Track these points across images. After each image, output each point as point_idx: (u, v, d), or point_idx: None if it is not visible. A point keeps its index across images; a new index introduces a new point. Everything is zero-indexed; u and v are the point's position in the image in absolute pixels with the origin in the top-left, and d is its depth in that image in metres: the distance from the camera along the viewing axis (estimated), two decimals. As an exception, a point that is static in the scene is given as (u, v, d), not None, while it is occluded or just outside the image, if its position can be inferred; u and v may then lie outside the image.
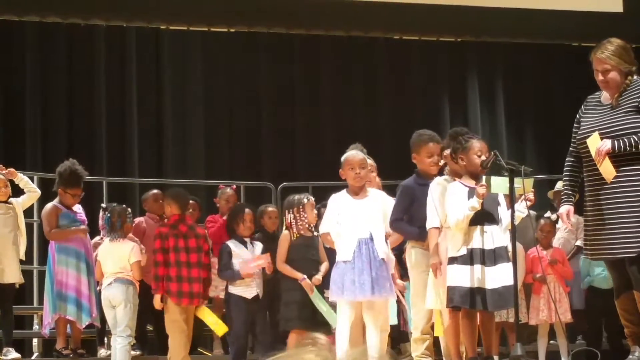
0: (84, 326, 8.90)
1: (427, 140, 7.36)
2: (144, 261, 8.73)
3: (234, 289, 8.35)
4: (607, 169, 6.18)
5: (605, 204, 6.30)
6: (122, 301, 8.48)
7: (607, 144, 6.19)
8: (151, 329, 9.79)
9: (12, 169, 8.86)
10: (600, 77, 6.41)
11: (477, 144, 6.88)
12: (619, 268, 6.41)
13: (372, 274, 6.79)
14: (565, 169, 6.70)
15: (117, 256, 8.58)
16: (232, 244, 8.38)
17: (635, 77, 6.42)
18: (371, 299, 6.85)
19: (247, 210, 8.51)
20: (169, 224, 8.52)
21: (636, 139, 6.19)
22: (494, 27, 12.24)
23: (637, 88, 6.39)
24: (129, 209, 9.11)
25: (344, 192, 7.09)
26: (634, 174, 6.24)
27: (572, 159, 6.63)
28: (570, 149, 6.65)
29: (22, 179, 8.95)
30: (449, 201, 6.77)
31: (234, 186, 10.04)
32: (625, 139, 6.20)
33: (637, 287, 6.27)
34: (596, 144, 6.26)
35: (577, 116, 6.63)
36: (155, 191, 10.04)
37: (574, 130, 6.65)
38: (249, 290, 8.21)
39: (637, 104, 6.33)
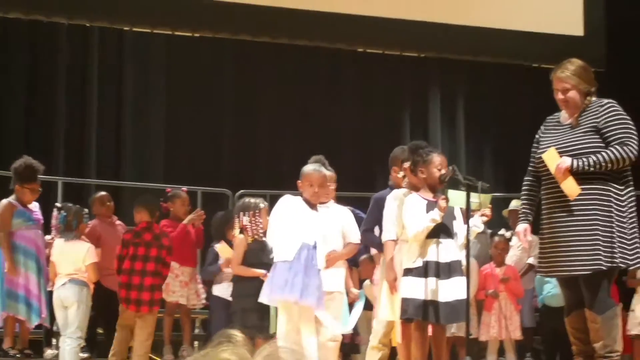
0: (33, 326, 8.88)
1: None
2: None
3: (216, 291, 8.38)
4: (569, 187, 6.26)
5: (562, 221, 6.38)
6: (74, 302, 8.46)
7: (567, 161, 6.27)
8: (101, 332, 9.73)
9: None
10: (560, 96, 6.50)
11: (437, 158, 6.95)
12: (572, 286, 6.49)
13: (305, 280, 6.82)
14: (523, 187, 6.77)
15: (72, 257, 8.56)
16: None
17: (594, 98, 6.51)
18: (298, 302, 6.86)
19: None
20: (135, 230, 8.57)
21: (595, 159, 6.28)
22: (458, 44, 12.32)
23: (596, 108, 6.48)
24: (86, 210, 9.10)
25: (298, 197, 7.13)
26: (590, 192, 6.32)
27: (531, 178, 6.71)
28: (529, 168, 6.73)
29: None
30: (407, 213, 6.82)
31: (185, 189, 10.03)
32: (585, 159, 6.29)
33: (590, 305, 6.35)
34: (554, 160, 6.33)
35: (537, 136, 6.71)
36: (102, 193, 10.03)
37: (532, 150, 6.72)
38: (229, 290, 8.21)
39: (596, 124, 6.42)
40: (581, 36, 12.45)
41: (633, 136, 6.38)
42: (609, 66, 12.15)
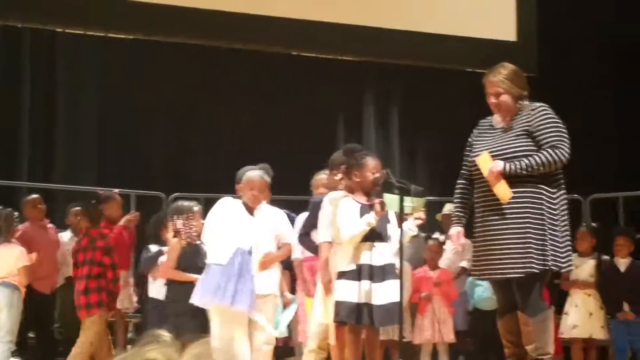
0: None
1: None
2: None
3: (152, 292, 8.35)
4: (502, 191, 6.30)
5: (494, 225, 6.43)
6: (5, 306, 8.43)
7: (499, 165, 6.32)
8: (32, 336, 9.65)
9: None
10: (492, 100, 6.55)
11: (371, 162, 6.96)
12: (505, 289, 6.54)
13: (237, 285, 6.82)
14: (456, 191, 6.81)
15: (3, 260, 8.53)
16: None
17: (526, 101, 6.57)
18: (230, 307, 6.86)
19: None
20: (79, 239, 8.62)
21: (527, 162, 6.33)
22: (393, 48, 12.37)
23: (528, 112, 6.54)
24: (16, 213, 9.05)
25: (237, 200, 7.12)
26: (522, 196, 6.38)
27: (464, 182, 6.75)
28: (462, 172, 6.76)
29: None
30: (341, 217, 6.81)
31: (117, 191, 9.98)
32: (517, 162, 6.34)
33: (522, 307, 6.40)
34: (486, 164, 6.37)
35: (469, 140, 6.75)
36: (34, 196, 9.98)
37: (465, 153, 6.76)
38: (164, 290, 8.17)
39: (528, 127, 6.47)
40: (514, 42, 12.57)
41: (564, 140, 6.44)
42: (541, 72, 12.28)
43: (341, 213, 6.85)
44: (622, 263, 9.36)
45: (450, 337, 9.40)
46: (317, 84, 12.74)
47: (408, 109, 13.02)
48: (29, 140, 11.62)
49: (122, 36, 12.00)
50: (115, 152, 12.02)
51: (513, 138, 6.51)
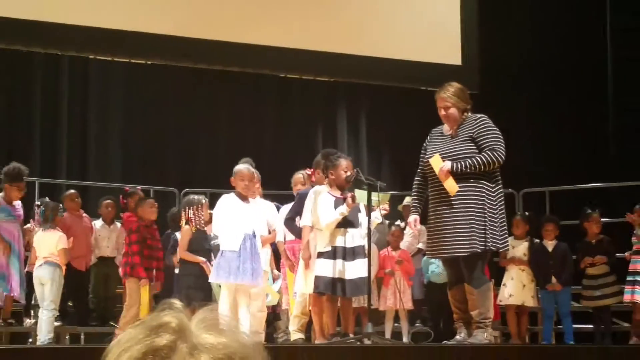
0: (7, 301, 8.78)
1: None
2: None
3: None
4: (450, 185, 6.32)
5: (444, 213, 6.45)
6: (48, 280, 8.37)
7: (448, 164, 6.34)
8: (71, 304, 9.63)
9: None
10: (442, 112, 6.57)
11: (344, 162, 6.95)
12: (453, 265, 6.55)
13: (253, 265, 6.79)
14: (413, 186, 6.82)
15: (48, 243, 8.50)
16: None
17: (470, 113, 6.57)
18: (250, 284, 6.84)
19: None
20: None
21: (470, 162, 6.34)
22: (360, 71, 12.35)
23: (471, 122, 6.55)
24: (61, 205, 9.06)
25: (232, 195, 7.09)
26: (466, 189, 6.38)
27: (419, 179, 6.76)
28: (418, 170, 6.78)
29: None
30: (319, 207, 6.80)
31: (140, 187, 9.93)
32: (462, 162, 6.35)
33: (468, 280, 6.41)
34: (438, 164, 6.38)
35: (424, 144, 6.77)
36: (71, 191, 9.95)
37: (421, 156, 6.77)
38: None
39: (471, 134, 6.48)
40: (459, 65, 12.58)
41: (500, 144, 6.46)
42: (481, 89, 12.28)
43: (319, 204, 6.82)
44: (550, 244, 9.35)
45: (409, 305, 9.39)
46: (299, 100, 12.70)
47: (373, 120, 12.98)
48: (67, 146, 11.56)
49: (142, 61, 11.93)
50: (136, 155, 11.95)
51: (459, 143, 6.51)
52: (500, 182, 6.52)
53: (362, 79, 12.60)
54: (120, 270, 8.85)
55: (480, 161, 6.33)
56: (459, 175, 6.35)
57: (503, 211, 6.52)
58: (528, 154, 11.72)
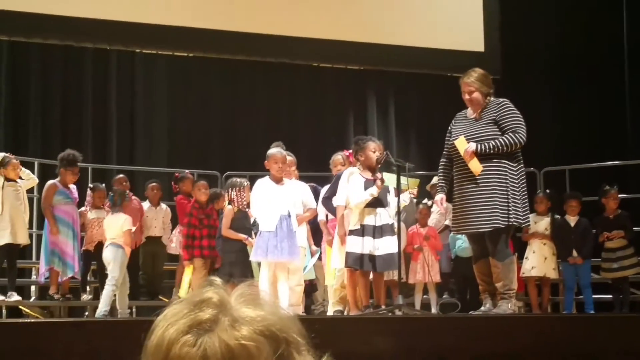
0: (66, 278, 8.84)
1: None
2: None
3: None
4: (475, 166, 6.30)
5: (468, 191, 6.44)
6: (112, 260, 8.46)
7: (472, 146, 6.32)
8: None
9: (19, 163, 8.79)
10: (466, 97, 6.55)
11: (372, 144, 6.95)
12: (478, 240, 6.54)
13: (289, 242, 6.81)
14: (439, 167, 6.82)
15: (115, 226, 8.58)
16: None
17: (492, 97, 6.54)
18: (287, 261, 6.86)
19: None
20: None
21: (493, 144, 6.32)
22: (389, 59, 12.32)
23: (494, 105, 6.52)
24: (128, 191, 9.14)
25: (267, 178, 7.10)
26: (489, 169, 6.37)
27: (445, 160, 6.75)
28: (444, 152, 6.76)
29: (24, 171, 8.85)
30: (351, 188, 6.81)
31: (188, 171, 9.98)
32: (486, 143, 6.33)
33: (492, 254, 6.40)
34: (463, 146, 6.36)
35: (449, 128, 6.76)
36: (120, 176, 10.02)
37: (446, 138, 6.75)
38: None
39: (494, 117, 6.45)
40: (482, 51, 12.51)
41: (522, 126, 6.43)
42: (504, 74, 12.20)
43: (351, 185, 6.83)
44: (572, 220, 9.30)
45: (437, 278, 9.37)
46: (332, 87, 12.67)
47: (401, 105, 12.92)
48: (117, 134, 11.63)
49: (185, 54, 12.00)
50: (181, 141, 11.98)
51: (483, 125, 6.49)
52: (521, 161, 6.49)
53: (390, 67, 12.57)
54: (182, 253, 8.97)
55: (503, 142, 6.30)
56: (482, 156, 6.32)
57: (525, 189, 6.49)
58: (549, 135, 11.63)
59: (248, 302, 1.31)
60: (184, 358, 1.24)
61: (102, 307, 8.32)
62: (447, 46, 12.35)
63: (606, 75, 12.10)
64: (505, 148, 6.30)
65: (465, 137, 6.45)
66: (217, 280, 1.36)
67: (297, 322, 1.34)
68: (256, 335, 1.26)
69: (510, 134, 6.34)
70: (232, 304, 1.30)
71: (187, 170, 10.09)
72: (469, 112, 6.64)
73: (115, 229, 8.54)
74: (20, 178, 8.76)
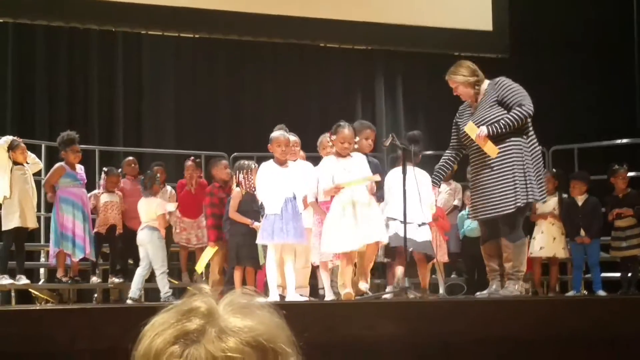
0: (77, 259, 8.86)
1: (366, 127, 7.42)
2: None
3: None
4: (490, 149, 6.30)
5: (486, 176, 6.44)
6: (148, 243, 8.57)
7: (484, 129, 6.31)
8: (131, 262, 9.71)
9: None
10: (455, 93, 6.59)
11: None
12: (488, 222, 6.52)
13: (295, 224, 6.79)
14: (442, 159, 6.84)
15: (148, 209, 8.69)
16: None
17: (486, 81, 6.53)
18: (294, 243, 6.85)
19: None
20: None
21: (503, 122, 6.33)
22: (396, 39, 12.27)
23: (492, 87, 6.53)
24: (158, 174, 9.13)
25: (271, 161, 7.06)
26: (506, 150, 6.35)
27: (450, 152, 6.77)
28: (450, 144, 6.76)
29: (29, 155, 8.87)
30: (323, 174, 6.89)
31: (192, 158, 9.99)
32: (496, 124, 6.32)
33: (505, 235, 6.36)
34: (474, 131, 6.36)
35: (454, 121, 6.75)
36: (129, 158, 10.03)
37: (452, 131, 6.77)
38: None
39: (496, 98, 6.43)
40: (490, 30, 12.45)
41: (525, 97, 6.40)
42: (512, 53, 12.15)
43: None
44: (580, 199, 9.28)
45: (444, 258, 9.34)
46: (339, 68, 12.62)
47: (409, 85, 12.87)
48: (123, 116, 11.64)
49: (191, 35, 11.98)
50: (188, 123, 11.97)
51: (487, 109, 6.47)
52: (533, 136, 6.43)
53: (398, 47, 12.52)
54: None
55: (512, 118, 6.27)
56: (496, 138, 6.30)
57: (540, 162, 6.43)
58: (557, 113, 11.57)
59: (236, 310, 1.30)
60: None
61: (164, 291, 8.47)
62: (455, 25, 12.29)
63: (615, 52, 12.01)
64: (515, 123, 6.26)
65: (474, 122, 6.43)
66: (206, 288, 1.35)
67: (286, 330, 1.33)
68: (242, 347, 1.26)
69: (516, 108, 6.30)
70: (220, 313, 1.29)
71: (198, 153, 10.06)
72: (470, 103, 6.65)
73: (149, 212, 8.64)
74: (26, 162, 8.78)
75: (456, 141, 6.70)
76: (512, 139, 6.31)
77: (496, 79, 6.50)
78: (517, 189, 6.21)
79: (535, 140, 6.43)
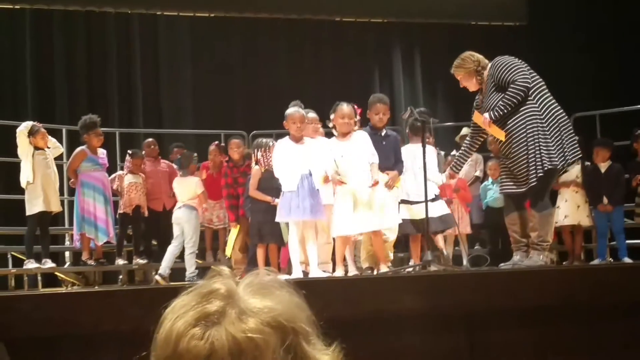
0: (101, 243, 8.88)
1: (376, 101, 7.33)
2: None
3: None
4: (496, 133, 6.31)
5: (506, 154, 6.44)
6: (186, 222, 8.67)
7: (486, 116, 6.32)
8: (155, 243, 9.76)
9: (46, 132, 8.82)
10: (461, 86, 6.61)
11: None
12: (513, 195, 6.49)
13: (311, 201, 6.76)
14: (463, 144, 6.90)
15: (185, 189, 8.78)
16: None
17: (487, 69, 6.50)
18: (311, 219, 6.84)
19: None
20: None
21: (502, 105, 6.32)
22: (411, 10, 12.21)
23: (492, 70, 6.50)
24: (195, 154, 9.23)
25: (287, 138, 7.02)
26: (513, 128, 6.33)
27: (469, 140, 6.79)
28: (471, 130, 6.78)
29: (50, 139, 8.86)
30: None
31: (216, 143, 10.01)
32: (496, 109, 6.32)
33: (533, 204, 6.38)
34: (480, 119, 6.41)
35: (474, 104, 6.77)
36: (149, 139, 10.05)
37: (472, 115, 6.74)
38: None
39: (494, 82, 6.42)
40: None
41: (515, 72, 6.36)
42: (530, 21, 12.03)
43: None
44: (603, 166, 9.20)
45: (467, 229, 9.36)
46: (355, 42, 12.56)
47: (427, 56, 12.79)
48: (142, 98, 11.68)
49: (207, 14, 11.98)
50: (206, 103, 11.98)
51: (490, 95, 6.52)
52: (546, 100, 6.30)
53: (413, 18, 12.45)
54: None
55: (508, 98, 6.24)
56: (502, 119, 6.30)
57: (563, 125, 6.32)
58: (578, 80, 11.46)
59: (255, 291, 1.31)
60: (192, 351, 1.25)
61: (190, 270, 8.57)
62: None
63: (635, 18, 11.85)
64: (512, 101, 6.23)
65: (479, 110, 6.50)
66: (226, 270, 1.36)
67: (306, 309, 1.33)
68: (263, 327, 1.26)
69: (510, 86, 6.27)
70: (239, 295, 1.30)
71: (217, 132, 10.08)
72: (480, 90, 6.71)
73: (186, 191, 8.73)
74: (47, 147, 8.82)
75: (475, 126, 6.70)
76: (518, 115, 6.28)
77: (493, 61, 6.49)
78: (534, 161, 6.17)
79: (551, 104, 6.32)
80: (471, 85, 6.59)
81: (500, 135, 6.26)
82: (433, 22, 12.44)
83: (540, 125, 6.23)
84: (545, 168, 6.18)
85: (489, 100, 6.42)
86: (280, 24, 12.14)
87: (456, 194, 9.24)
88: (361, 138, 6.80)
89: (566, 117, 6.40)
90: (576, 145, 6.36)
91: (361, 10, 12.20)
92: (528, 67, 6.37)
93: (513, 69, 6.32)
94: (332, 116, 6.86)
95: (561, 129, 6.28)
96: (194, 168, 9.00)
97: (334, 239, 7.15)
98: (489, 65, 6.49)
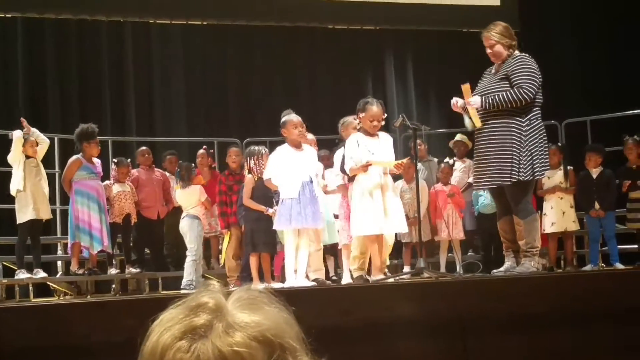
0: (95, 252, 8.82)
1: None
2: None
3: None
4: (474, 116, 6.32)
5: (481, 149, 6.46)
6: (188, 230, 8.63)
7: (477, 101, 6.30)
8: (148, 252, 9.72)
9: (27, 124, 8.67)
10: (488, 50, 6.56)
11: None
12: (501, 198, 6.53)
13: (313, 208, 6.75)
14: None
15: (188, 198, 8.75)
16: None
17: (516, 51, 6.50)
18: (311, 227, 6.81)
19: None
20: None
21: (498, 99, 6.28)
22: (404, 17, 12.21)
23: (511, 60, 6.45)
24: (193, 165, 9.19)
25: (285, 145, 7.00)
26: (498, 126, 6.32)
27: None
28: None
29: (34, 132, 8.73)
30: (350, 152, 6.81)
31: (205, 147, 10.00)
32: (489, 98, 6.30)
33: (516, 212, 6.38)
34: (468, 93, 6.37)
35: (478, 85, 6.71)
36: (143, 148, 9.99)
37: None
38: None
39: (507, 72, 6.39)
40: (498, 5, 12.39)
41: (529, 82, 6.32)
42: (521, 28, 12.03)
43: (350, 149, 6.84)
44: (595, 172, 9.22)
45: (460, 235, 9.36)
46: (348, 49, 12.55)
47: (419, 63, 12.80)
48: (135, 106, 11.63)
49: (199, 22, 11.96)
50: (200, 110, 11.97)
51: (497, 80, 6.48)
52: (536, 115, 6.36)
53: (406, 25, 12.46)
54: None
55: (505, 98, 6.23)
56: (493, 112, 6.30)
57: (539, 141, 6.36)
58: (569, 87, 11.49)
59: (244, 306, 1.30)
60: None
61: (187, 278, 8.44)
62: (462, 2, 12.24)
63: (626, 24, 11.89)
64: (507, 104, 6.23)
65: (479, 91, 6.45)
66: (215, 283, 1.35)
67: (294, 325, 1.32)
68: (249, 341, 1.25)
69: (515, 89, 6.26)
70: (228, 309, 1.29)
71: (209, 140, 10.06)
72: (494, 68, 6.62)
73: (191, 201, 8.71)
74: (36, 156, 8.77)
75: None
76: (508, 117, 6.29)
77: (518, 54, 6.47)
78: (517, 163, 6.21)
79: (537, 120, 6.37)
80: (499, 56, 6.47)
81: (477, 122, 6.32)
82: (425, 29, 12.46)
83: (528, 135, 6.27)
84: (528, 177, 6.25)
85: (494, 84, 6.41)
86: (273, 32, 12.13)
87: (450, 199, 9.25)
88: (387, 140, 6.80)
89: (545, 134, 6.43)
90: (546, 160, 6.45)
91: (354, 17, 12.21)
92: (541, 81, 6.38)
93: (529, 76, 6.32)
94: (360, 115, 6.79)
95: (538, 144, 6.32)
96: (193, 178, 8.98)
97: (323, 247, 7.15)
98: (514, 55, 6.48)
